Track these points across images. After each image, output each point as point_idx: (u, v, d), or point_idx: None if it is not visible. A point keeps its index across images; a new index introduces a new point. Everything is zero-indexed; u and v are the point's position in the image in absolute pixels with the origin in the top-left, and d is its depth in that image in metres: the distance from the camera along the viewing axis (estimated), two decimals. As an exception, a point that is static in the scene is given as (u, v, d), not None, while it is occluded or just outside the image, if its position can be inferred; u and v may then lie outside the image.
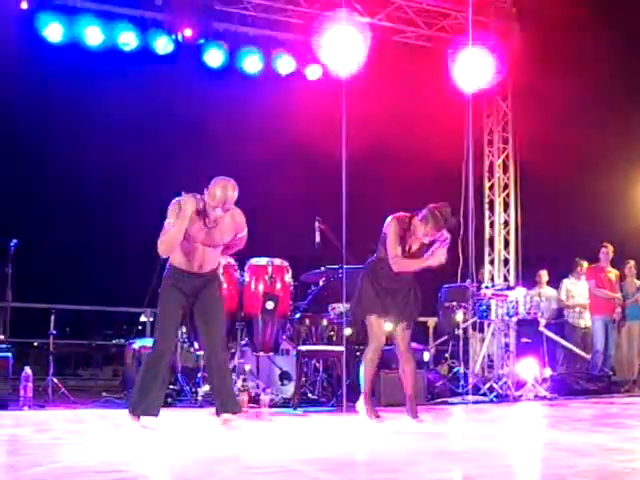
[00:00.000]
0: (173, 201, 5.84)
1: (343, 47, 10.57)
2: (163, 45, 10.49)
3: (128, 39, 10.32)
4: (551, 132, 13.01)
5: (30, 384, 7.51)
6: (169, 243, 5.75)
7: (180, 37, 10.38)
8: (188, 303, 5.98)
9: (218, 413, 5.97)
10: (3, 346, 8.19)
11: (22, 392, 7.47)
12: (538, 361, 10.04)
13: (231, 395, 6.08)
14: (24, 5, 9.80)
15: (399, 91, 12.28)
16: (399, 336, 6.55)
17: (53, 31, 9.96)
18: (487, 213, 12.29)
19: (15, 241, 8.34)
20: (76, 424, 5.94)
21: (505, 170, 12.37)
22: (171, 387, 8.24)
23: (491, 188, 12.37)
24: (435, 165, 12.84)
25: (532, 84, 12.64)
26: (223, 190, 5.79)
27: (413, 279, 6.61)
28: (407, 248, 6.49)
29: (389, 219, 6.53)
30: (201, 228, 5.87)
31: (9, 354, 7.73)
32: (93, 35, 10.16)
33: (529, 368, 9.81)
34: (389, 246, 6.45)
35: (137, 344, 8.85)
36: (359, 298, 6.60)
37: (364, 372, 6.58)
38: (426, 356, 9.36)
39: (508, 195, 12.28)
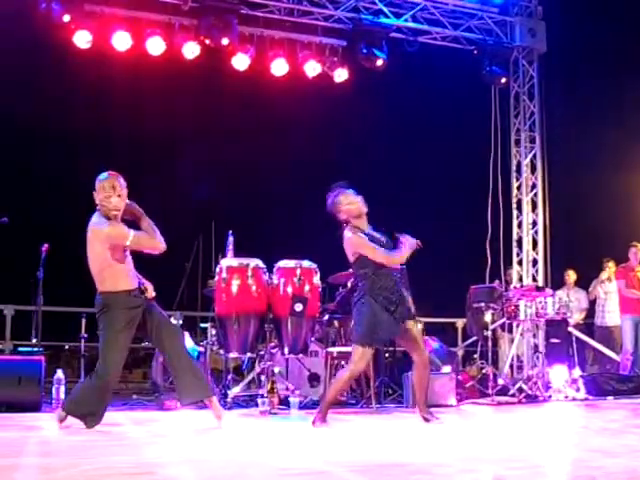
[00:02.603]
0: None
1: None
2: (190, 50, 10.54)
3: (155, 44, 10.38)
4: (580, 131, 12.97)
5: (62, 387, 7.58)
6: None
7: (210, 43, 10.42)
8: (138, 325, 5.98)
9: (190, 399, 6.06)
10: (35, 349, 8.29)
11: (54, 395, 7.55)
12: (567, 362, 9.99)
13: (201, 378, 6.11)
14: (66, 18, 9.87)
15: (425, 92, 12.30)
16: (408, 337, 6.54)
17: (82, 38, 10.03)
18: (515, 213, 12.24)
19: (46, 245, 8.42)
20: (108, 426, 5.99)
21: (533, 170, 12.32)
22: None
23: (519, 188, 12.31)
24: (462, 165, 12.85)
25: (560, 82, 12.62)
26: (106, 178, 5.93)
27: (403, 280, 6.60)
28: (379, 238, 6.48)
29: (346, 236, 6.46)
30: None
31: (41, 357, 7.81)
32: (121, 40, 10.23)
33: (558, 369, 9.76)
34: (368, 250, 6.38)
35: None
36: (361, 322, 6.44)
37: (334, 390, 6.52)
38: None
39: (536, 195, 12.22)
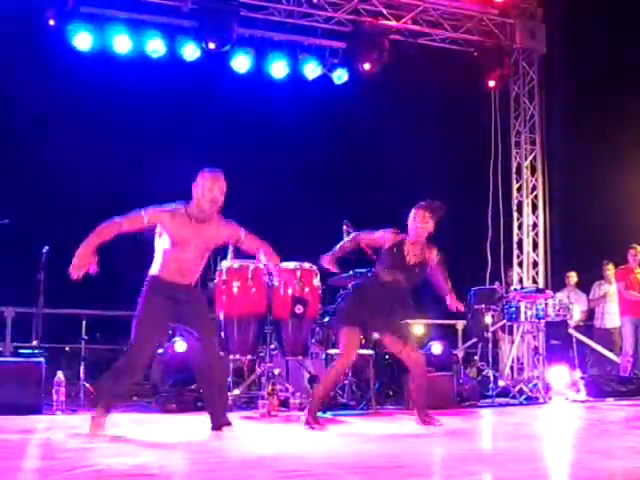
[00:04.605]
0: (164, 207, 5.86)
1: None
2: (190, 52, 10.59)
3: (156, 46, 10.43)
4: (580, 133, 12.97)
5: (62, 389, 7.58)
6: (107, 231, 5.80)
7: (205, 45, 10.46)
8: (173, 313, 5.90)
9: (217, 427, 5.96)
10: (36, 352, 8.28)
11: (55, 397, 7.54)
12: (568, 363, 10.00)
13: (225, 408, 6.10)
14: (51, 22, 9.92)
15: (424, 94, 12.30)
16: (394, 345, 6.64)
17: (82, 40, 10.08)
18: (515, 215, 12.25)
19: (47, 247, 8.41)
20: (108, 428, 5.98)
21: (533, 171, 12.33)
22: (201, 390, 8.27)
23: (519, 190, 12.33)
24: (462, 167, 12.84)
25: (559, 83, 12.62)
26: (213, 173, 5.88)
27: (399, 293, 6.67)
28: (407, 262, 6.58)
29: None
30: (189, 229, 5.86)
31: (42, 359, 7.81)
32: (121, 43, 10.27)
33: (559, 370, 9.77)
34: (367, 233, 6.78)
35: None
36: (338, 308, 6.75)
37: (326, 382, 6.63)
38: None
39: (536, 197, 12.24)
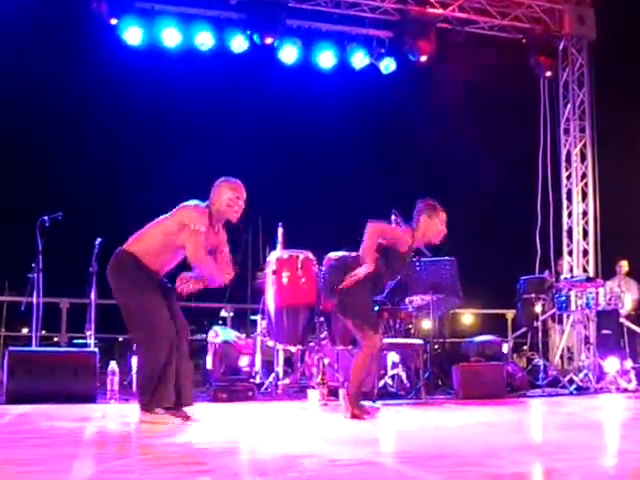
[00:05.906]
0: (198, 209, 5.85)
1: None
2: (238, 44, 10.66)
3: (205, 39, 10.52)
4: (631, 119, 12.81)
5: (116, 378, 7.72)
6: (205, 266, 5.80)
7: (257, 38, 10.53)
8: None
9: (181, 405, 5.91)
10: (90, 342, 8.45)
11: (109, 386, 7.69)
12: (619, 353, 9.91)
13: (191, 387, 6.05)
14: (114, 21, 10.07)
15: (473, 81, 12.25)
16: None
17: (133, 34, 10.21)
18: (565, 203, 12.14)
19: (100, 239, 8.54)
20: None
21: (583, 159, 12.20)
22: (252, 381, 8.38)
23: (569, 177, 12.22)
24: (511, 155, 12.78)
25: (610, 70, 12.46)
26: (239, 183, 5.95)
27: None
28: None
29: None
30: (211, 232, 5.90)
31: (96, 350, 7.97)
32: (171, 36, 10.38)
33: (610, 360, 9.68)
34: (387, 227, 6.33)
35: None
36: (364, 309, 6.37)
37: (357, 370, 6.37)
38: (505, 348, 9.44)
39: (586, 184, 12.11)
